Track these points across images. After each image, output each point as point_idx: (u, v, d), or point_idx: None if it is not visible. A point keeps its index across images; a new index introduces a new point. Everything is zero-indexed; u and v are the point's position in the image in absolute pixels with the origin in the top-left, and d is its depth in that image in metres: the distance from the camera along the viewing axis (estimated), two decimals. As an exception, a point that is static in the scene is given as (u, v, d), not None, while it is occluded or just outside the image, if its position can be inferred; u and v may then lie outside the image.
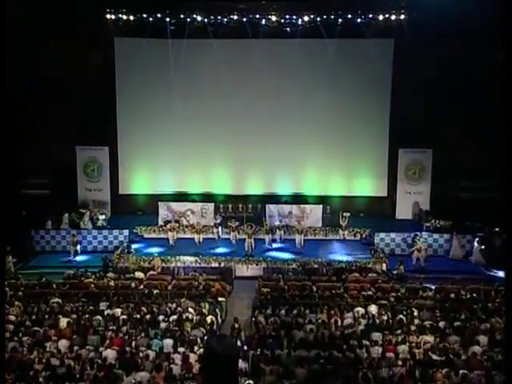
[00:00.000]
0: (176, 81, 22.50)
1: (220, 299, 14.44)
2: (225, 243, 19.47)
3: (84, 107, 21.65)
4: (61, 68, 20.84)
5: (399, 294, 14.64)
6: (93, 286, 14.99)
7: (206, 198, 22.88)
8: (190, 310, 13.02)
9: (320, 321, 12.50)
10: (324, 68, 22.23)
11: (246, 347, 11.39)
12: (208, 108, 22.66)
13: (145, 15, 21.21)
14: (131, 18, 21.35)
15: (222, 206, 22.41)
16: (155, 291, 14.45)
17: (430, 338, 11.60)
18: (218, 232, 19.64)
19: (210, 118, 22.70)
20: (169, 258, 18.01)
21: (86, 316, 12.51)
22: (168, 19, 21.35)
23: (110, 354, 10.64)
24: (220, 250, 19.15)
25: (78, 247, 19.02)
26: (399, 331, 11.95)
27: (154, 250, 18.93)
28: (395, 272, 17.31)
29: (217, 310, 13.53)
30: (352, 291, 14.78)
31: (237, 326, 12.51)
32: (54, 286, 14.71)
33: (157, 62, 22.46)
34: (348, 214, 21.47)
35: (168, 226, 20.11)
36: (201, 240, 19.56)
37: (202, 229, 19.85)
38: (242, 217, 21.28)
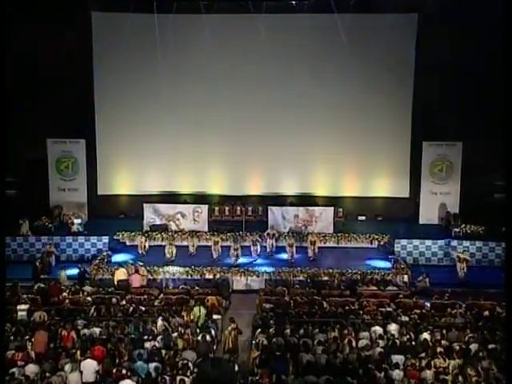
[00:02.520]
0: (163, 63, 22.45)
1: (215, 316, 14.35)
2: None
3: (56, 93, 21.60)
4: (28, 48, 20.78)
5: (423, 310, 14.60)
6: (67, 301, 14.90)
7: (199, 199, 22.88)
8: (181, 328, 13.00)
9: (331, 342, 12.46)
10: (335, 48, 22.24)
11: (244, 372, 11.35)
12: (201, 95, 22.64)
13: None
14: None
15: (217, 208, 22.40)
16: (140, 307, 14.38)
17: (459, 363, 11.52)
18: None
19: (204, 106, 22.69)
20: (155, 268, 17.99)
21: (59, 335, 12.44)
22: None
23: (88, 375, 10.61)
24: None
25: (53, 259, 18.86)
26: (423, 354, 11.90)
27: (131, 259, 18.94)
28: (419, 285, 17.25)
29: (211, 329, 13.48)
30: (368, 307, 14.70)
31: (234, 326, 12.46)
32: (22, 300, 14.65)
33: (140, 42, 22.43)
34: (363, 218, 21.50)
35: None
36: (194, 248, 19.56)
37: (196, 235, 19.86)
38: (240, 221, 21.22)
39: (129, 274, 17.12)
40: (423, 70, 22.17)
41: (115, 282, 16.78)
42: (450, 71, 21.24)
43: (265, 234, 20.11)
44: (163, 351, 11.91)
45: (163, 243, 20.03)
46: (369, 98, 22.69)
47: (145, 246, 19.65)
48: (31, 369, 11.09)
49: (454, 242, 19.64)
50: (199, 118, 22.78)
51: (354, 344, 12.40)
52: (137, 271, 17.16)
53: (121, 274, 17.08)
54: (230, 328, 13.11)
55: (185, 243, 20.14)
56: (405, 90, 22.77)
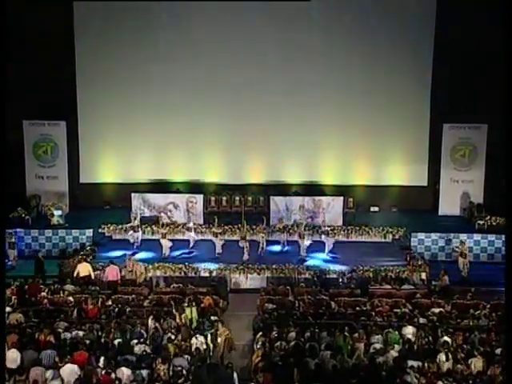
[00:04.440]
0: (154, 38, 22.47)
1: (211, 318, 14.35)
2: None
3: (34, 70, 21.53)
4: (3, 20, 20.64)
5: (443, 311, 14.62)
6: (46, 301, 14.89)
7: (194, 188, 22.88)
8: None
9: (340, 346, 12.43)
10: (345, 23, 22.24)
11: (244, 379, 11.38)
12: (196, 74, 22.59)
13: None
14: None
15: (213, 198, 22.42)
16: (128, 308, 14.39)
17: (482, 369, 11.54)
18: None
19: (199, 85, 22.65)
20: (146, 265, 17.96)
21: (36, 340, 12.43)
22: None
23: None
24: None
25: (14, 252, 18.84)
26: (444, 359, 11.83)
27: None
28: (437, 283, 17.29)
29: (206, 333, 13.46)
30: (382, 308, 14.72)
31: (226, 333, 12.36)
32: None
33: (129, 16, 22.41)
34: (376, 209, 21.49)
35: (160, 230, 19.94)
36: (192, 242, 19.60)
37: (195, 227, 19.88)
38: (239, 212, 21.23)
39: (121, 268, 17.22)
40: (444, 46, 22.13)
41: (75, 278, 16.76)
42: (472, 47, 21.14)
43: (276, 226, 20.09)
44: (153, 356, 11.90)
45: (154, 237, 20.05)
46: (383, 77, 22.71)
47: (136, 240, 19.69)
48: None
49: (477, 236, 19.62)
50: (194, 99, 22.74)
51: (365, 349, 12.40)
52: (112, 263, 17.22)
53: (84, 270, 17.00)
54: (223, 336, 13.06)
55: (182, 237, 20.14)
56: (423, 68, 22.75)
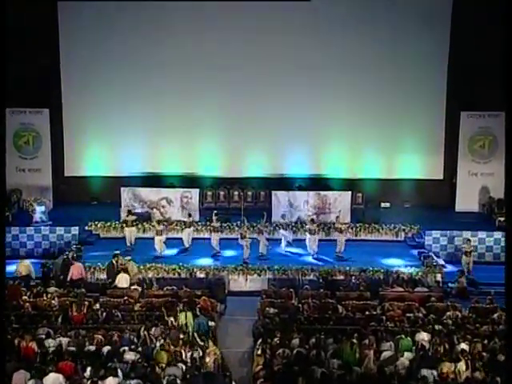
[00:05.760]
0: (144, 16, 22.37)
1: (209, 323, 14.33)
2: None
3: (15, 53, 21.39)
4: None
5: (460, 316, 14.63)
6: (28, 304, 14.88)
7: (189, 182, 22.88)
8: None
9: (348, 354, 12.44)
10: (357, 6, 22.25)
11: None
12: (191, 55, 22.55)
13: None
14: None
15: (210, 193, 22.44)
16: (117, 313, 14.38)
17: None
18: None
19: (194, 69, 22.58)
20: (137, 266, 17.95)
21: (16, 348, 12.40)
22: None
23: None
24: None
25: None
26: (464, 368, 11.82)
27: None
28: (454, 286, 17.33)
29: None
30: (393, 312, 14.73)
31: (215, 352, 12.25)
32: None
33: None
34: (388, 205, 21.44)
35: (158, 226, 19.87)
36: (189, 241, 19.59)
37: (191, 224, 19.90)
38: (238, 208, 21.23)
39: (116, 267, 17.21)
40: (462, 27, 22.07)
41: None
42: (495, 28, 21.01)
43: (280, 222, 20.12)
44: (145, 365, 11.89)
45: (145, 235, 20.07)
46: (395, 59, 22.68)
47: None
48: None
49: (497, 234, 19.61)
50: (190, 84, 22.71)
51: (375, 356, 12.35)
52: (74, 259, 17.17)
53: (24, 269, 17.04)
54: (211, 356, 12.70)
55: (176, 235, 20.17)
56: (439, 49, 22.67)
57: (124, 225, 20.10)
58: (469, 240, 18.87)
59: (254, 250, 18.95)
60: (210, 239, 19.64)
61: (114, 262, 17.34)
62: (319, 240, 19.54)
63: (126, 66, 22.86)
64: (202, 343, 12.92)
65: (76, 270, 16.99)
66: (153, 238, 19.43)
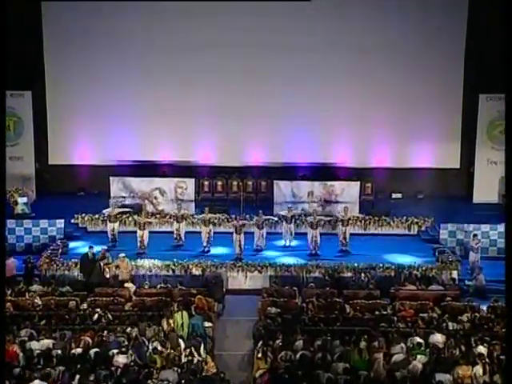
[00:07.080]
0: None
1: (206, 324, 14.35)
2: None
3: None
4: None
5: (478, 316, 14.63)
6: (9, 304, 14.85)
7: (183, 171, 22.86)
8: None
9: (357, 357, 12.47)
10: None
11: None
12: (186, 34, 22.54)
13: None
14: None
15: (206, 182, 22.44)
16: (106, 313, 14.41)
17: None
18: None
19: (189, 48, 22.59)
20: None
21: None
22: None
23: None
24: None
25: None
26: (481, 372, 11.84)
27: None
28: (471, 284, 17.34)
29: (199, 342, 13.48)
30: (405, 312, 14.77)
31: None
32: None
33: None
34: (399, 196, 21.42)
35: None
36: (181, 235, 19.58)
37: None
38: (237, 199, 21.24)
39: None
40: (480, 4, 22.05)
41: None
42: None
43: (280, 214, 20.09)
44: (137, 369, 11.90)
45: (136, 229, 20.02)
46: (408, 39, 22.72)
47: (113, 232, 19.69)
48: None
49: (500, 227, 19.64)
50: (184, 65, 22.75)
51: (385, 359, 12.41)
52: (10, 256, 17.17)
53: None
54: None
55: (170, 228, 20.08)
56: (456, 29, 22.71)
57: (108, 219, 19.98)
58: (475, 235, 18.78)
59: (249, 243, 18.96)
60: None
61: (89, 254, 17.20)
62: (323, 234, 19.46)
63: (113, 46, 22.84)
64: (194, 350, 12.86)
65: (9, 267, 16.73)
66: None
